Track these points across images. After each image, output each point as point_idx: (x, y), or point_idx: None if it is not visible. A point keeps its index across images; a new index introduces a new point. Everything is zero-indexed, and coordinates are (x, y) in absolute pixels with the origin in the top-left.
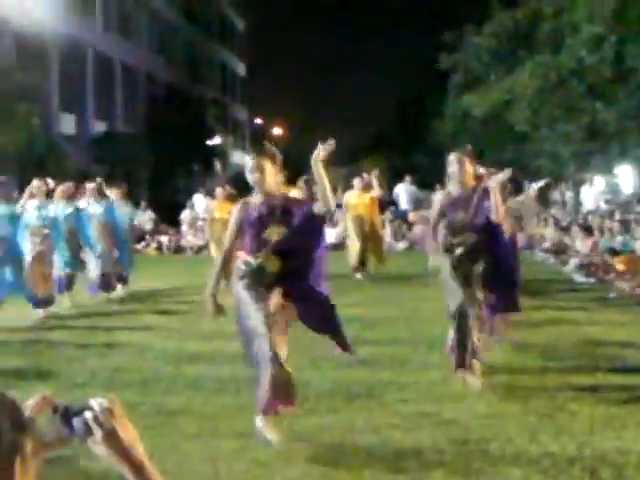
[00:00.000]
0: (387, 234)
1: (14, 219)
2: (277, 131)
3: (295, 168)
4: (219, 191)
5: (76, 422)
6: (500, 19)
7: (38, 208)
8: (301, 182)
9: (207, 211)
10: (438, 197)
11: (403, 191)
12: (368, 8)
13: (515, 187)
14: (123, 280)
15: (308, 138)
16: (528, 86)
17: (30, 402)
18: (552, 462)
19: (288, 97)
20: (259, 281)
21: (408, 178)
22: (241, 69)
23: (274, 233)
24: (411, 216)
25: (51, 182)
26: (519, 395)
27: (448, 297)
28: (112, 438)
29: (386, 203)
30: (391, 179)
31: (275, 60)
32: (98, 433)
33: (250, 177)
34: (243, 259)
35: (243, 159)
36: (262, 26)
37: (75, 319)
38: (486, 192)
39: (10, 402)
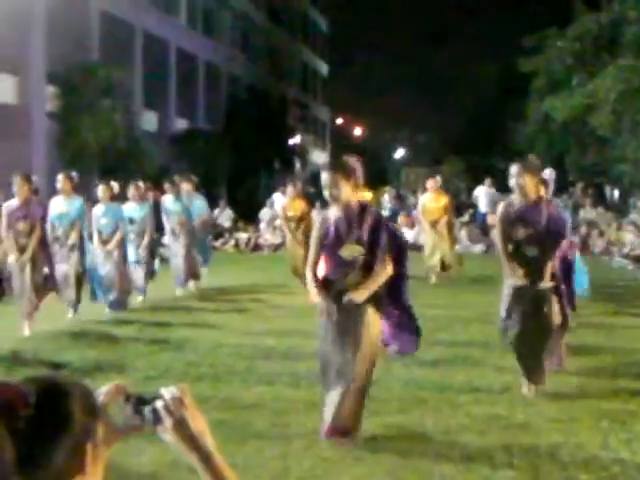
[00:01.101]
0: (464, 237)
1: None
2: (358, 131)
3: (375, 168)
4: (289, 189)
5: (147, 410)
6: (584, 22)
7: (104, 214)
8: (387, 189)
9: (281, 210)
10: (500, 210)
11: (482, 194)
12: (449, 10)
13: (597, 192)
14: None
15: (389, 139)
16: (611, 90)
17: (103, 389)
18: (622, 469)
19: (370, 98)
20: (339, 304)
21: (487, 181)
22: (323, 69)
23: (350, 251)
24: (490, 219)
25: (116, 185)
26: (591, 400)
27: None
28: (181, 427)
29: (466, 206)
30: (471, 181)
31: (357, 61)
32: (168, 421)
33: (325, 192)
34: (324, 279)
35: (322, 158)
36: (345, 26)
37: (151, 314)
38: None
39: (83, 388)
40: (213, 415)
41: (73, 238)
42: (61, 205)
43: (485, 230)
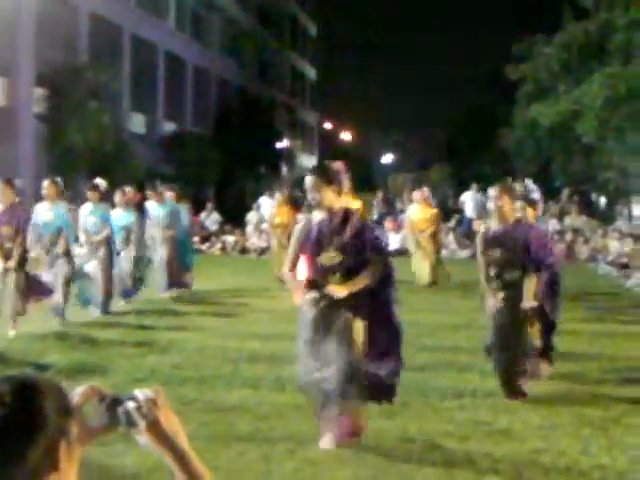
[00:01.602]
0: (451, 242)
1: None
2: (346, 136)
3: (362, 172)
4: (278, 196)
5: (120, 411)
6: (571, 30)
7: (92, 213)
8: (378, 193)
9: (269, 217)
10: (479, 237)
11: (469, 199)
12: (439, 14)
13: (583, 199)
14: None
15: (377, 144)
16: (596, 97)
17: (78, 390)
18: (603, 475)
19: (358, 103)
20: (321, 310)
21: (474, 186)
22: (312, 73)
23: (330, 258)
24: (476, 224)
25: (103, 183)
26: (573, 407)
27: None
28: (155, 428)
29: (452, 211)
30: (458, 187)
31: (346, 66)
32: (141, 423)
33: (309, 196)
34: (307, 283)
35: (310, 163)
36: (334, 30)
37: (136, 317)
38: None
39: (57, 388)
40: (197, 418)
41: (60, 246)
42: (46, 212)
43: (471, 235)
